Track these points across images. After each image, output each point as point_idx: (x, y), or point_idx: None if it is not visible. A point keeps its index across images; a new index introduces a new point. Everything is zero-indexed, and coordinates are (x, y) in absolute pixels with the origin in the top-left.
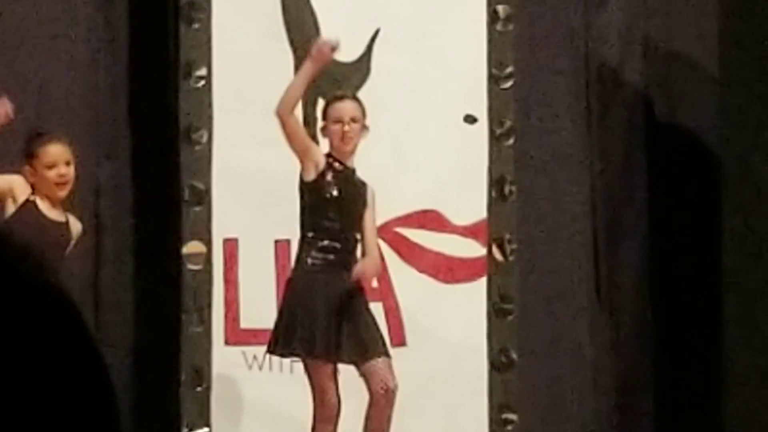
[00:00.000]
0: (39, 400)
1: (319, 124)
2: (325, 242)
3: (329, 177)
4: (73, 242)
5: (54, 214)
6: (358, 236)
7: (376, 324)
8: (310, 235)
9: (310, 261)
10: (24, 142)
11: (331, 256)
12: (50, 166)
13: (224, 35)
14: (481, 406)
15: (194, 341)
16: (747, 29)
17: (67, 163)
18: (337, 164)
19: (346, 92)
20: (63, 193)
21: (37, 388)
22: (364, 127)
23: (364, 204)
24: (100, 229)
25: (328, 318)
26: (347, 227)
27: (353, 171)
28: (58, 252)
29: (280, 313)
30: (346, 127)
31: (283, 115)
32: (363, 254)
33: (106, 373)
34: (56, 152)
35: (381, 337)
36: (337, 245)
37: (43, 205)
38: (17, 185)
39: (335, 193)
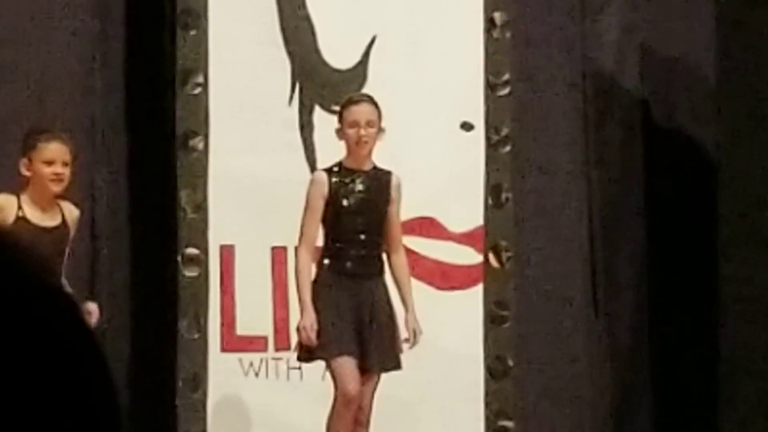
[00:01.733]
0: (40, 407)
1: (335, 126)
2: (345, 249)
3: (341, 188)
4: (72, 233)
5: (47, 219)
6: (381, 240)
7: (394, 335)
8: (330, 243)
9: (330, 269)
10: (25, 134)
11: (349, 264)
12: (48, 163)
13: (221, 42)
14: (477, 413)
15: (191, 348)
16: (744, 37)
17: (65, 164)
18: (346, 173)
19: (363, 95)
20: (57, 188)
21: (38, 395)
22: (381, 130)
23: (386, 202)
24: (95, 235)
25: (350, 326)
26: (368, 232)
27: (371, 171)
28: (58, 255)
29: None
30: (362, 131)
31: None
32: (387, 253)
33: (109, 379)
34: (57, 150)
35: (394, 350)
36: (360, 252)
37: (34, 215)
38: (6, 204)
39: (347, 203)
